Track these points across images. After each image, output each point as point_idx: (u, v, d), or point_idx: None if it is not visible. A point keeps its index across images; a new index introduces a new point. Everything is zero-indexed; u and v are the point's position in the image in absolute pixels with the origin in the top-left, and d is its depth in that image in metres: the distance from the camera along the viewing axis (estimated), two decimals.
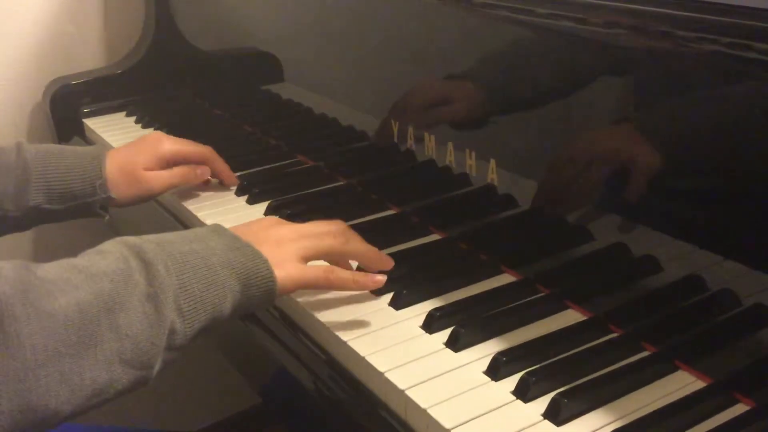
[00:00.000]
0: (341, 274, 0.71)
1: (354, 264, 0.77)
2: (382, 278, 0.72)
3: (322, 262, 0.73)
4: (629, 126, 0.68)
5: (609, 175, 0.70)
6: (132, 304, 0.59)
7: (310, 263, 0.71)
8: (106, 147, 1.18)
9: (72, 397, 0.55)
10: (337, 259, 0.74)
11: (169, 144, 0.94)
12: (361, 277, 0.72)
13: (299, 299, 0.75)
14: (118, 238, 0.64)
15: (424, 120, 0.86)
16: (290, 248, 0.70)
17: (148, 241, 0.64)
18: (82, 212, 0.90)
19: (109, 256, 0.61)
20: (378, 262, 0.75)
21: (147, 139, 0.95)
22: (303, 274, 0.69)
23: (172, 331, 0.60)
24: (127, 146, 0.95)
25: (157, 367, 0.60)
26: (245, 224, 0.73)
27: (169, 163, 0.94)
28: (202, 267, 0.63)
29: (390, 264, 0.76)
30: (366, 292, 0.75)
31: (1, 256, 1.35)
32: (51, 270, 0.59)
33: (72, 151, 0.89)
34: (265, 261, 0.67)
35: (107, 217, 0.92)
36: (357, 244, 0.74)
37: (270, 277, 0.67)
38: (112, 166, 0.89)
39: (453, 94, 0.83)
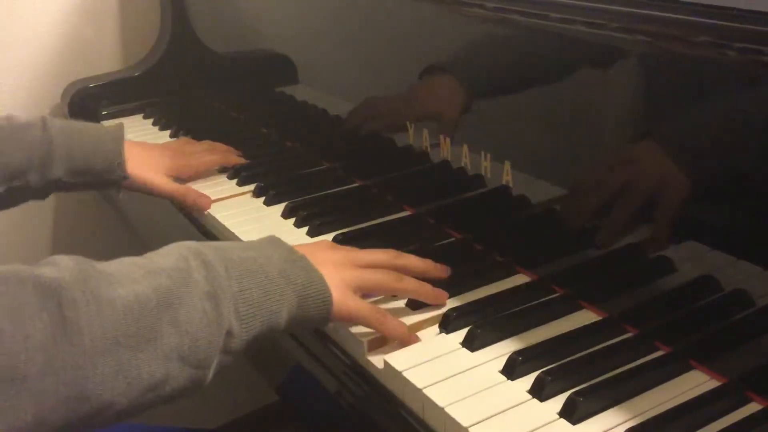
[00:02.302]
0: (392, 322, 0.69)
1: None
2: (415, 340, 0.70)
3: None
4: (646, 136, 0.69)
5: (626, 186, 0.71)
6: (192, 301, 0.58)
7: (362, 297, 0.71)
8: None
9: (128, 390, 0.54)
10: (387, 294, 0.74)
11: (183, 159, 1.03)
12: (407, 333, 0.70)
13: None
14: (179, 242, 0.64)
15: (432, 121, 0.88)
16: (346, 275, 0.69)
17: (208, 246, 0.64)
18: (99, 186, 0.98)
19: (169, 256, 0.61)
20: (430, 299, 0.74)
21: (171, 147, 1.06)
22: (358, 307, 0.68)
23: (230, 334, 0.60)
24: (152, 145, 1.06)
25: (212, 369, 0.60)
26: (300, 245, 0.71)
27: (182, 176, 1.03)
28: (260, 273, 0.63)
29: (444, 298, 0.74)
30: None
31: (23, 238, 1.37)
32: (110, 264, 0.59)
33: (94, 128, 0.96)
34: (321, 277, 0.66)
35: (121, 194, 0.98)
36: (408, 282, 0.73)
37: (327, 293, 0.66)
38: (132, 152, 0.95)
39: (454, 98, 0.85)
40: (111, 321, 0.54)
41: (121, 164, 0.94)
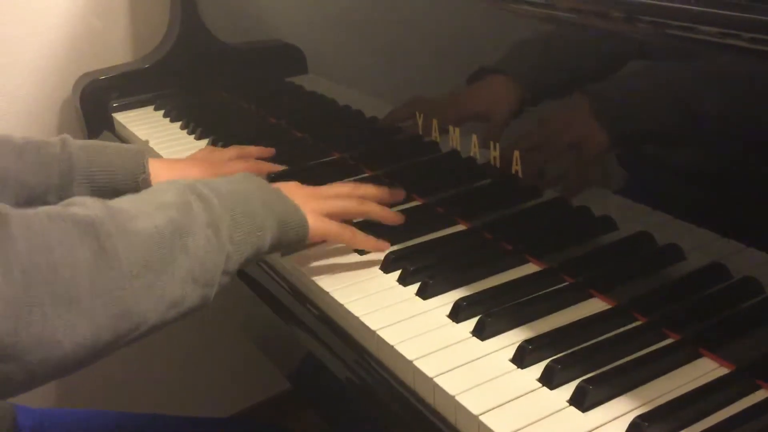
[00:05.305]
0: (361, 235, 0.81)
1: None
2: (385, 246, 0.82)
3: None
4: (645, 115, 0.69)
5: (637, 164, 0.71)
6: (197, 230, 0.66)
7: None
8: (137, 141, 1.21)
9: (157, 307, 0.62)
10: (352, 218, 0.84)
11: (213, 168, 0.96)
12: (375, 241, 0.82)
13: (329, 289, 0.77)
14: (170, 180, 0.72)
15: (459, 122, 0.87)
16: (314, 204, 0.79)
17: (198, 181, 0.71)
18: None
19: (168, 192, 0.69)
20: (390, 220, 0.85)
21: (197, 157, 1.02)
22: (330, 226, 0.79)
23: (228, 257, 0.68)
24: (177, 159, 1.02)
25: (215, 288, 0.67)
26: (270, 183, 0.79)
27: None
28: (245, 204, 0.71)
29: (401, 219, 0.85)
30: (395, 282, 0.77)
31: None
32: (122, 202, 0.66)
33: (115, 146, 0.92)
34: (296, 205, 0.75)
35: None
36: (370, 205, 0.84)
37: (303, 218, 0.75)
38: (158, 167, 0.91)
39: (490, 103, 0.84)
40: (139, 249, 0.62)
41: (145, 179, 0.90)
